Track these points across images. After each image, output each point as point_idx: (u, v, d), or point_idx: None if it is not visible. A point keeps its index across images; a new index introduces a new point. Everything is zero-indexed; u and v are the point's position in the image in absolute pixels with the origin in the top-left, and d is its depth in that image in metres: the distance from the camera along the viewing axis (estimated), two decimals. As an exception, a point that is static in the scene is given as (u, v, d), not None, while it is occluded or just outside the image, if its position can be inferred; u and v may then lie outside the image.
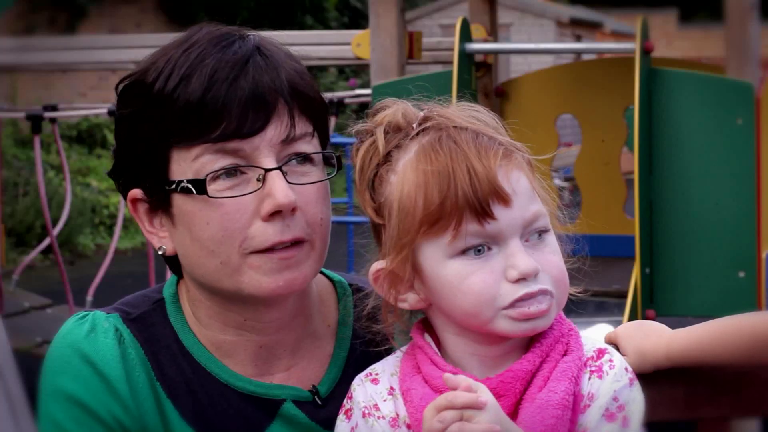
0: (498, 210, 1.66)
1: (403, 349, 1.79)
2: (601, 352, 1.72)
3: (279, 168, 1.79)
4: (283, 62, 1.83)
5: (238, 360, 1.88)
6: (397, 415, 1.72)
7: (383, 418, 1.72)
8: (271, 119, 1.79)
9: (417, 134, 1.74)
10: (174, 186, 1.81)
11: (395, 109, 1.78)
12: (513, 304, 1.66)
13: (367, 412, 1.74)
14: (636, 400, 1.69)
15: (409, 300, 1.74)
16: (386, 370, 1.77)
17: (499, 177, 1.66)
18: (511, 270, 1.66)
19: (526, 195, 1.69)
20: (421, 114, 1.76)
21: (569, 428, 1.67)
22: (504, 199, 1.66)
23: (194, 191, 1.79)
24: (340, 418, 1.78)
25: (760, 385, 2.00)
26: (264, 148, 1.79)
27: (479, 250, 1.67)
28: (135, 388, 1.85)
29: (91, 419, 1.83)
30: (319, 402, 1.89)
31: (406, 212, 1.69)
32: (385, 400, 1.74)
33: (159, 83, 1.80)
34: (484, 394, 1.60)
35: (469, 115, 1.75)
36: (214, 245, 1.80)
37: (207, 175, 1.78)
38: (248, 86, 1.78)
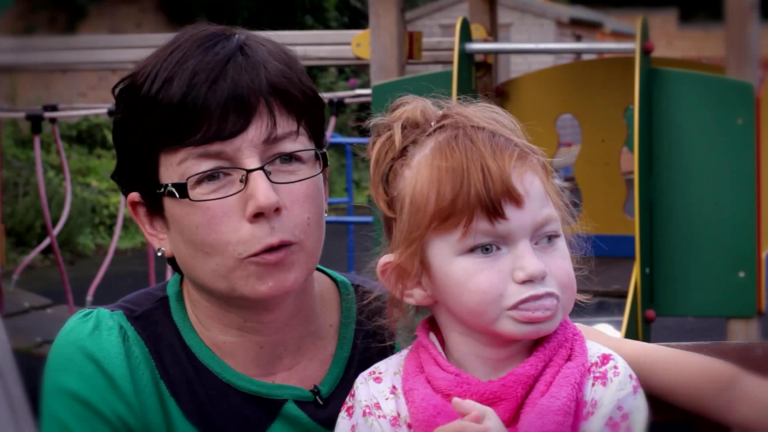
0: (509, 210, 1.65)
1: (407, 349, 1.79)
2: (605, 358, 1.70)
3: (261, 168, 1.78)
4: (265, 61, 1.82)
5: (239, 360, 1.88)
6: (398, 414, 1.72)
7: (384, 417, 1.72)
8: (252, 120, 1.78)
9: (434, 131, 1.73)
10: (162, 190, 1.81)
11: (414, 106, 1.77)
12: (518, 305, 1.65)
13: (367, 411, 1.73)
14: (639, 409, 1.68)
15: (416, 296, 1.73)
16: (389, 368, 1.77)
17: (513, 178, 1.66)
18: (519, 271, 1.65)
19: (538, 198, 1.68)
20: (440, 112, 1.76)
21: None
22: (516, 200, 1.66)
23: (177, 195, 1.79)
24: (342, 416, 1.78)
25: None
26: (246, 149, 1.78)
27: (488, 249, 1.66)
28: (139, 386, 1.85)
29: (94, 417, 1.83)
30: (321, 402, 1.89)
31: (417, 207, 1.69)
32: (387, 399, 1.73)
33: (145, 87, 1.80)
34: (492, 422, 1.60)
35: (487, 115, 1.75)
36: (208, 248, 1.80)
37: (188, 179, 1.78)
38: (227, 87, 1.78)
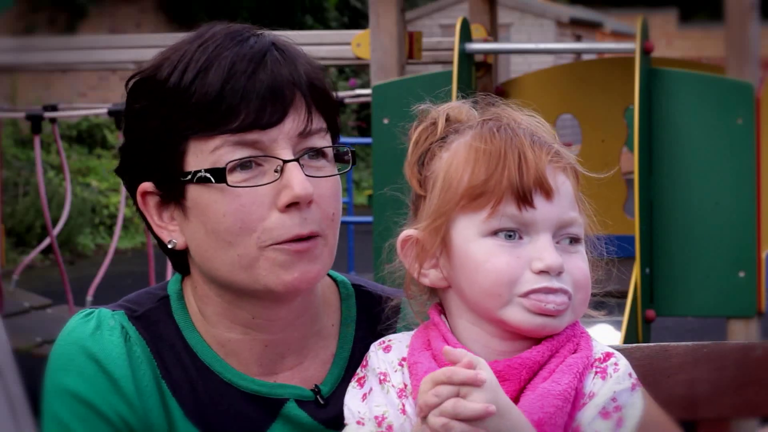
0: (539, 200, 1.69)
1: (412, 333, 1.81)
2: (608, 355, 1.73)
3: (296, 160, 1.80)
4: (299, 57, 1.85)
5: (242, 359, 1.89)
6: (405, 386, 1.74)
7: (394, 387, 1.74)
8: (289, 112, 1.81)
9: (477, 123, 1.78)
10: (190, 177, 1.81)
11: (460, 105, 1.82)
12: (529, 294, 1.68)
13: (383, 378, 1.75)
14: (635, 405, 1.69)
15: (431, 276, 1.76)
16: (402, 340, 1.79)
17: (548, 171, 1.71)
18: (537, 261, 1.68)
19: (567, 198, 1.73)
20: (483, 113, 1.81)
21: (566, 422, 1.67)
22: (547, 192, 1.70)
23: (213, 180, 1.80)
24: (352, 385, 1.79)
25: (760, 385, 2.00)
26: (281, 140, 1.80)
27: (510, 236, 1.70)
28: (140, 387, 1.85)
29: (96, 417, 1.83)
30: (321, 401, 1.89)
31: (450, 183, 1.72)
32: (395, 371, 1.76)
33: (174, 77, 1.81)
34: (484, 372, 1.61)
35: (530, 120, 1.80)
36: (232, 237, 1.80)
37: (227, 164, 1.79)
38: (267, 79, 1.80)
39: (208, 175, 1.80)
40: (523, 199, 1.69)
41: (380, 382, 1.75)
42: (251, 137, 1.79)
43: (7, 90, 16.64)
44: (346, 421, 1.77)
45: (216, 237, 1.81)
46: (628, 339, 5.25)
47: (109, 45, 7.51)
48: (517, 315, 1.69)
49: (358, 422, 1.75)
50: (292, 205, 1.79)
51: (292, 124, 1.81)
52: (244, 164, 1.80)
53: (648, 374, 1.95)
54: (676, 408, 1.98)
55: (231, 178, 1.80)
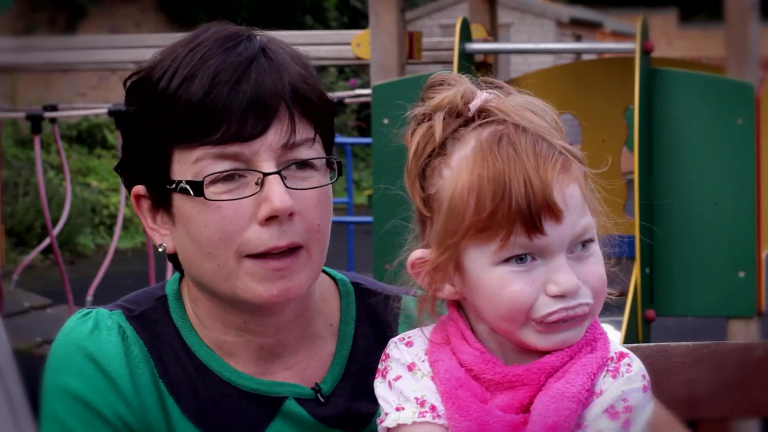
0: (548, 225, 1.64)
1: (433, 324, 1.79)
2: (622, 356, 1.70)
3: (278, 173, 1.78)
4: (287, 65, 1.82)
5: (239, 359, 1.88)
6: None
7: (425, 375, 1.72)
8: (272, 123, 1.78)
9: (475, 126, 1.70)
10: (174, 186, 1.81)
11: (455, 92, 1.74)
12: (545, 317, 1.65)
13: (412, 366, 1.73)
14: (645, 407, 1.67)
15: (445, 291, 1.73)
16: (421, 336, 1.76)
17: (555, 191, 1.64)
18: (553, 285, 1.65)
19: (577, 209, 1.67)
20: (479, 101, 1.73)
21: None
22: (556, 216, 1.64)
23: (192, 193, 1.79)
24: (378, 381, 1.75)
25: (760, 386, 2.00)
26: (264, 152, 1.78)
27: (522, 259, 1.65)
28: (138, 386, 1.85)
29: (94, 417, 1.83)
30: (322, 400, 1.89)
31: (455, 213, 1.67)
32: (423, 361, 1.73)
33: (163, 82, 1.79)
34: None
35: (528, 110, 1.72)
36: (212, 248, 1.79)
37: (205, 177, 1.78)
38: (250, 89, 1.77)
39: (187, 187, 1.79)
40: (533, 228, 1.63)
41: (410, 369, 1.73)
42: (232, 150, 1.78)
43: (7, 90, 16.63)
44: (385, 411, 1.73)
45: (198, 246, 1.81)
46: (628, 339, 5.25)
47: (109, 45, 7.50)
48: (534, 337, 1.67)
49: (398, 408, 1.71)
50: (272, 218, 1.77)
51: (275, 135, 1.78)
52: (226, 176, 1.78)
53: (648, 374, 1.95)
54: (676, 408, 1.98)
55: (212, 189, 1.78)
